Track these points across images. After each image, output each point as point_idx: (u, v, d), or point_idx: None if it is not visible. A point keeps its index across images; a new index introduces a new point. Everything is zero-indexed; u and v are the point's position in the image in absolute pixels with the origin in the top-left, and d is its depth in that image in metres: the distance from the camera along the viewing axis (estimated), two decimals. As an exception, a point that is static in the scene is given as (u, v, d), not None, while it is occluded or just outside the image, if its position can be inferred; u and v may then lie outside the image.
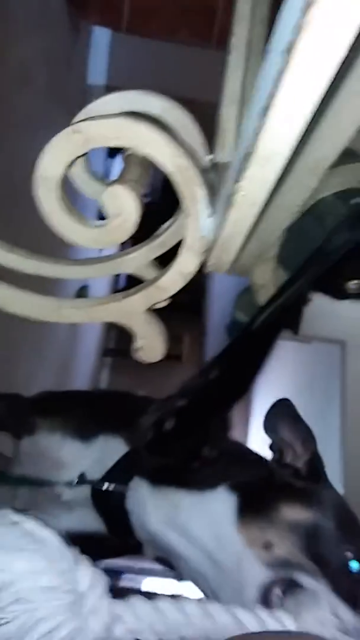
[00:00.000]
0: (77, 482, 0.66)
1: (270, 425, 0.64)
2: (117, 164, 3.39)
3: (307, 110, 0.25)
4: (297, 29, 0.22)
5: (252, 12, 0.62)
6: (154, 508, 0.62)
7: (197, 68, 2.18)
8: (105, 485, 0.64)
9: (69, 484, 0.67)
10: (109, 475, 0.66)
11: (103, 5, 1.87)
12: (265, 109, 0.27)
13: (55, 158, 0.44)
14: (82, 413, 0.76)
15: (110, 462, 0.67)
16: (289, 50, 0.23)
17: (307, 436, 0.64)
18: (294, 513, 0.57)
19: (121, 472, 0.66)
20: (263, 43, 0.61)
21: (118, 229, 0.48)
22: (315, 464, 0.63)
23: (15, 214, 1.22)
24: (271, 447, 0.63)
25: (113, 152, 3.38)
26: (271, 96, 0.26)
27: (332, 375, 3.47)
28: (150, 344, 0.59)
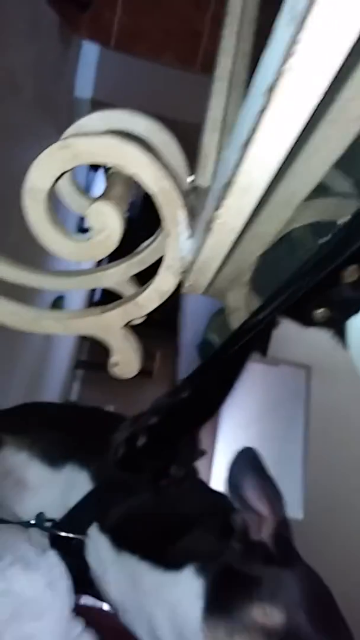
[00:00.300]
0: (35, 524, 0.62)
1: (232, 480, 0.57)
2: (99, 177, 3.40)
3: (285, 146, 0.27)
4: (278, 74, 0.24)
5: (236, 46, 0.64)
6: (114, 575, 0.57)
7: (180, 89, 2.22)
8: (63, 532, 0.60)
9: (26, 524, 0.62)
10: (67, 520, 0.62)
11: (94, 22, 1.91)
12: (246, 144, 0.29)
13: (44, 171, 0.46)
14: (52, 436, 0.70)
15: (73, 499, 0.63)
16: (270, 91, 0.25)
17: (274, 498, 0.57)
18: (265, 616, 0.50)
19: (81, 517, 0.62)
20: (245, 75, 0.64)
21: (101, 245, 0.49)
22: (284, 537, 0.56)
23: (0, 222, 1.23)
24: (234, 519, 0.56)
25: (96, 165, 3.41)
26: (252, 132, 0.28)
27: (297, 398, 3.51)
28: (126, 359, 0.60)
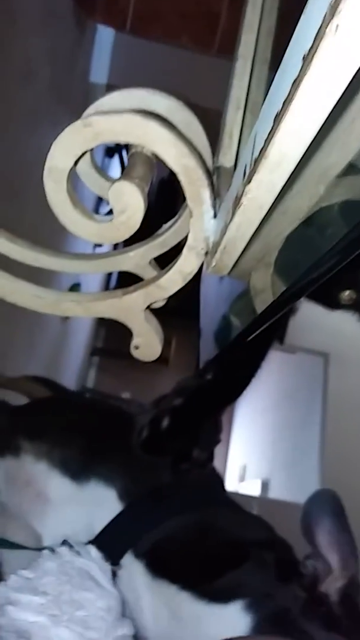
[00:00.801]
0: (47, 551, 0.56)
1: (307, 520, 0.52)
2: (115, 164, 3.39)
3: (322, 116, 0.26)
4: (318, 37, 0.23)
5: (259, 22, 0.63)
6: (148, 602, 0.52)
7: (197, 73, 2.20)
8: None
9: (50, 550, 0.55)
10: (96, 547, 0.55)
11: (109, 6, 1.89)
12: (279, 114, 0.28)
13: (65, 150, 0.45)
14: (72, 443, 0.65)
15: (99, 519, 0.58)
16: (307, 56, 0.24)
17: (349, 552, 0.51)
18: None
19: (113, 545, 0.56)
20: (269, 53, 0.63)
21: (123, 225, 0.49)
22: (352, 599, 0.50)
23: (14, 208, 1.23)
24: (305, 564, 0.51)
25: (111, 151, 3.39)
26: (286, 101, 0.27)
27: (315, 386, 3.51)
28: (147, 342, 0.60)
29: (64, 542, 0.56)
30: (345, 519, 0.53)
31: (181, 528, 0.57)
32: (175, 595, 0.51)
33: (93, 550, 0.54)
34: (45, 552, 0.53)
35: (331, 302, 0.55)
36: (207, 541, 0.57)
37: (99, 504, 0.60)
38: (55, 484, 0.62)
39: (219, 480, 0.70)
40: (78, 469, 0.62)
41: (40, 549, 0.56)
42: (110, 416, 0.75)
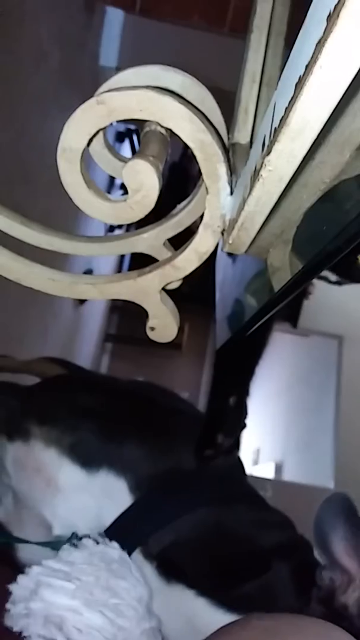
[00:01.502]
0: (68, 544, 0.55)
1: (320, 528, 0.49)
2: (126, 148, 3.37)
3: (347, 79, 0.25)
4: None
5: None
6: (160, 607, 0.50)
7: (207, 54, 2.17)
8: None
9: (56, 545, 0.54)
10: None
11: (117, -13, 1.86)
12: (302, 79, 0.27)
13: (79, 129, 0.44)
14: (83, 428, 0.63)
15: (109, 512, 0.56)
16: (331, 17, 0.23)
17: None
18: None
19: (121, 540, 0.53)
20: (284, 25, 0.61)
21: (138, 205, 0.48)
22: None
23: (27, 191, 1.22)
24: (321, 576, 0.48)
25: (122, 136, 3.37)
26: (309, 65, 0.26)
27: (329, 368, 3.50)
28: (163, 323, 0.59)
29: (73, 535, 0.54)
30: (359, 521, 0.50)
31: (195, 528, 0.54)
32: (191, 601, 0.49)
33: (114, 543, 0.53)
34: (66, 545, 0.52)
35: (349, 269, 0.54)
36: (225, 545, 0.54)
37: (109, 495, 0.58)
38: (65, 472, 0.60)
39: (238, 470, 0.68)
40: (89, 457, 0.60)
41: (48, 543, 0.54)
42: (125, 398, 0.73)
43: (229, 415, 0.62)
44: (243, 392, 0.62)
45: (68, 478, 0.60)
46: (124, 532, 0.54)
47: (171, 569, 0.51)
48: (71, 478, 0.60)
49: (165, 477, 0.58)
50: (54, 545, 0.54)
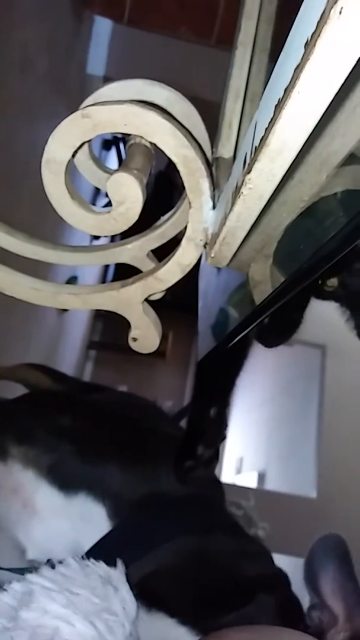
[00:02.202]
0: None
1: (310, 571, 0.49)
2: (112, 157, 3.38)
3: (324, 103, 0.26)
4: (322, 20, 0.23)
5: (259, 10, 0.62)
6: (143, 636, 0.48)
7: (194, 65, 2.19)
8: None
9: (29, 570, 0.49)
10: None
11: (106, -4, 1.87)
12: (280, 102, 0.27)
13: (63, 141, 0.45)
14: (64, 450, 0.61)
15: (86, 537, 0.55)
16: (309, 43, 0.24)
17: (355, 602, 0.47)
18: None
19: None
20: (268, 41, 0.62)
21: (121, 217, 0.48)
22: None
23: (11, 199, 1.22)
24: (311, 616, 0.48)
25: (108, 144, 3.38)
26: (288, 88, 0.27)
27: (312, 378, 3.52)
28: (145, 334, 0.59)
29: (48, 562, 0.52)
30: (351, 566, 0.50)
31: (176, 557, 0.53)
32: (172, 630, 0.48)
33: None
34: (44, 564, 0.50)
35: (315, 290, 0.55)
36: (207, 575, 0.53)
37: (87, 519, 0.57)
38: (42, 495, 0.58)
39: (218, 495, 0.67)
40: (67, 479, 0.58)
41: (19, 569, 0.52)
42: (106, 418, 0.71)
43: (210, 427, 0.61)
44: (223, 404, 0.62)
45: (45, 500, 0.58)
46: (102, 559, 0.52)
47: (152, 597, 0.50)
48: (48, 501, 0.58)
49: (146, 502, 0.57)
50: (26, 572, 0.50)
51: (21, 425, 0.64)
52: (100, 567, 0.48)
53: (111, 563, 0.51)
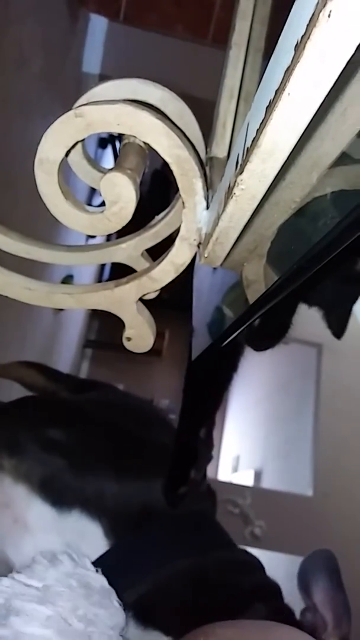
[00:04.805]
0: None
1: (304, 581, 0.52)
2: (108, 155, 3.37)
3: (314, 105, 0.26)
4: (311, 23, 0.23)
5: (254, 10, 0.62)
6: None
7: (190, 63, 2.19)
8: None
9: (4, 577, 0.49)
10: None
11: (102, -6, 1.87)
12: (271, 104, 0.27)
13: (57, 141, 0.45)
14: (56, 464, 0.59)
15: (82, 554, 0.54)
16: (299, 45, 0.24)
17: (342, 611, 0.51)
18: None
19: None
20: (262, 42, 0.62)
21: (115, 217, 0.48)
22: None
23: (6, 198, 1.22)
24: (305, 616, 0.51)
25: (104, 142, 3.37)
26: (279, 90, 0.27)
27: (308, 376, 3.53)
28: (140, 333, 0.59)
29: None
30: (340, 579, 0.52)
31: (173, 578, 0.54)
32: None
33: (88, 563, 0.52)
34: (40, 558, 0.49)
35: (347, 272, 0.54)
36: (204, 593, 0.54)
37: (82, 536, 0.55)
38: (34, 510, 0.57)
39: (209, 505, 0.67)
40: (60, 495, 0.57)
41: None
42: (100, 429, 0.69)
43: (200, 449, 0.60)
44: (211, 422, 0.61)
45: (37, 516, 0.57)
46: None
47: (147, 615, 0.51)
48: (41, 516, 0.57)
49: (141, 520, 0.57)
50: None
51: (12, 437, 0.63)
52: (92, 573, 0.48)
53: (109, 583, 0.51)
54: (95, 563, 0.53)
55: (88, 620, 0.43)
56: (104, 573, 0.52)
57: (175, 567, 0.55)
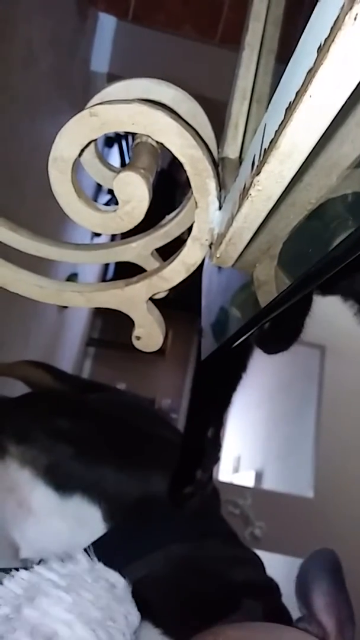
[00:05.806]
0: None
1: (302, 584, 0.48)
2: (115, 154, 3.37)
3: (335, 108, 0.26)
4: (336, 26, 0.23)
5: (267, 11, 0.62)
6: None
7: (198, 63, 2.19)
8: None
9: (23, 569, 0.50)
10: None
11: (111, -7, 1.87)
12: (292, 105, 0.27)
13: (71, 140, 0.45)
14: (62, 451, 0.61)
15: (81, 540, 0.55)
16: (322, 48, 0.24)
17: (345, 616, 0.47)
18: None
19: None
20: (275, 43, 0.62)
21: (127, 216, 0.48)
22: None
23: (14, 195, 1.22)
24: (296, 626, 0.47)
25: (111, 141, 3.37)
26: (300, 92, 0.27)
27: (311, 378, 3.53)
28: (149, 332, 0.60)
29: (40, 562, 0.53)
30: (343, 581, 0.49)
31: (167, 564, 0.54)
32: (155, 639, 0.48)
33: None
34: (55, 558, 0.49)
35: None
36: (195, 583, 0.54)
37: (82, 521, 0.57)
38: (38, 494, 0.59)
39: (214, 501, 0.67)
40: (63, 481, 0.58)
41: (10, 570, 0.51)
42: (105, 422, 0.71)
43: (207, 449, 0.60)
44: (219, 423, 0.61)
45: (41, 501, 0.58)
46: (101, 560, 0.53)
47: (139, 604, 0.50)
48: (44, 501, 0.58)
49: (141, 507, 0.58)
50: (23, 567, 0.51)
51: (20, 425, 0.65)
52: (109, 573, 0.49)
53: (105, 565, 0.52)
54: (93, 546, 0.54)
55: (108, 612, 0.43)
56: (101, 554, 0.52)
57: (170, 552, 0.55)
